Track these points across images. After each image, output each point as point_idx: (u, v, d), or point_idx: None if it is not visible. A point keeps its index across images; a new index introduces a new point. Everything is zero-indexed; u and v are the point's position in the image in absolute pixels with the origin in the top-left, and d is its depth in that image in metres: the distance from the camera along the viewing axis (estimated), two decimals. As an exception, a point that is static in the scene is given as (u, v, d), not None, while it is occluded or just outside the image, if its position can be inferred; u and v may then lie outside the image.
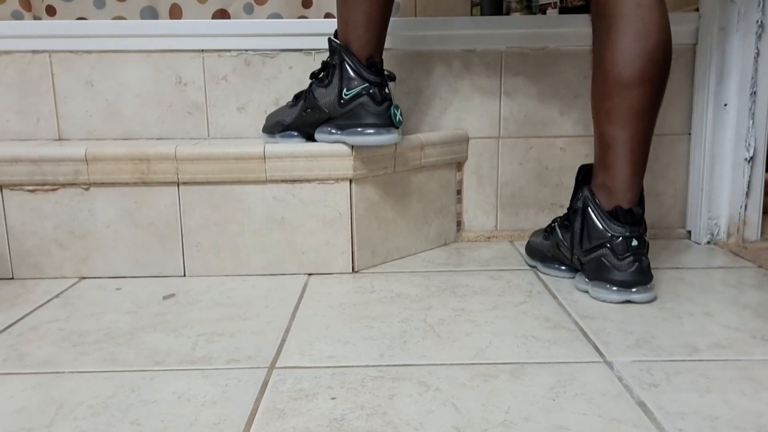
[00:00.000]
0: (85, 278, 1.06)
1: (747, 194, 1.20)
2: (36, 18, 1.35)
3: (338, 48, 0.98)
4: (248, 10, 1.34)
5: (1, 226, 1.05)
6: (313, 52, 1.20)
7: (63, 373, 0.72)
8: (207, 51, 1.20)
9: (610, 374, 0.69)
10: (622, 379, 0.68)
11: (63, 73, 1.19)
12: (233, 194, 1.05)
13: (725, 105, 1.19)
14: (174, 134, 1.22)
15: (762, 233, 1.22)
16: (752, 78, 1.17)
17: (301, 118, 1.04)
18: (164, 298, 0.97)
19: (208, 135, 1.22)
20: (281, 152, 1.03)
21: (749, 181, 1.20)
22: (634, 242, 0.90)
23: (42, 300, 0.96)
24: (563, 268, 1.02)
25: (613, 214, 0.92)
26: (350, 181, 1.05)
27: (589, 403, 0.63)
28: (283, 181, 1.05)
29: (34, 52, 1.19)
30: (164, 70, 1.20)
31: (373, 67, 0.99)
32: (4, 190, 1.04)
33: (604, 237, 0.92)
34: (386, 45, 1.20)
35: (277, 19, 1.30)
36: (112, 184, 1.04)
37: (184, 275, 1.07)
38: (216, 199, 1.05)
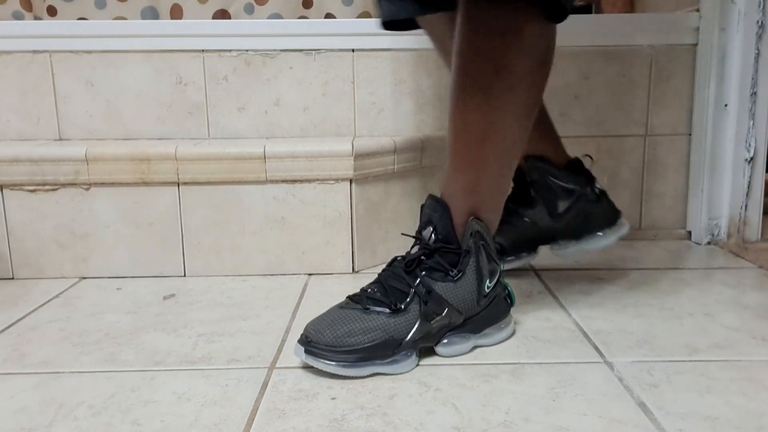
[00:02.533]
0: (85, 278, 1.06)
1: (747, 194, 1.20)
2: (37, 18, 1.35)
3: (480, 231, 0.75)
4: (249, 10, 1.34)
5: (2, 226, 1.05)
6: (313, 52, 1.20)
7: (63, 373, 0.72)
8: (207, 51, 1.20)
9: (611, 374, 0.69)
10: (622, 379, 0.68)
11: (63, 73, 1.19)
12: (233, 194, 1.05)
13: (726, 105, 1.19)
14: (174, 134, 1.22)
15: (762, 234, 1.22)
16: (753, 78, 1.17)
17: (426, 329, 0.73)
18: (164, 298, 0.97)
19: (209, 135, 1.22)
20: (281, 152, 1.03)
21: (749, 182, 1.20)
22: (597, 184, 0.96)
23: (42, 300, 0.96)
24: (525, 254, 1.00)
25: (572, 168, 0.95)
26: (350, 181, 1.05)
27: (590, 403, 0.63)
28: (284, 181, 1.05)
29: (35, 52, 1.19)
30: (165, 70, 1.20)
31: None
32: (4, 190, 1.04)
33: (576, 192, 0.94)
34: (386, 45, 1.21)
35: (277, 20, 1.30)
36: (113, 184, 1.04)
37: (185, 275, 1.07)
38: (216, 199, 1.05)
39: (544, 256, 1.15)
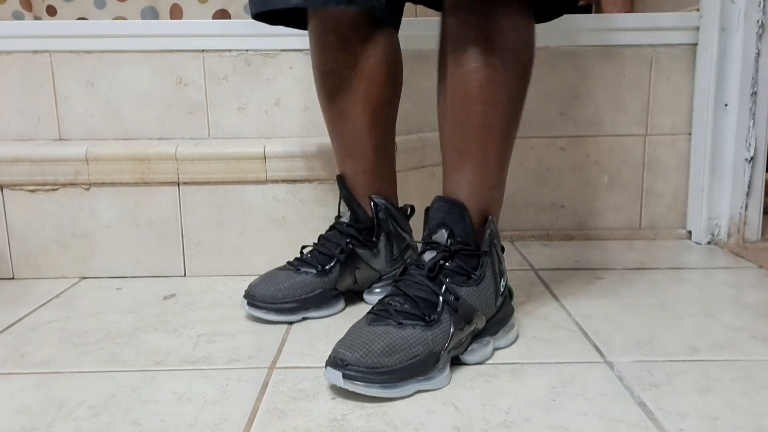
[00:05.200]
0: (85, 278, 1.06)
1: (747, 194, 1.20)
2: (37, 18, 1.35)
3: (493, 230, 0.74)
4: (249, 10, 1.34)
5: (2, 226, 1.05)
6: (313, 52, 1.20)
7: (63, 373, 0.72)
8: (207, 51, 1.20)
9: (611, 374, 0.69)
10: (622, 379, 0.68)
11: (63, 73, 1.19)
12: (234, 194, 1.05)
13: (726, 105, 1.18)
14: (174, 134, 1.22)
15: (762, 233, 1.22)
16: (753, 78, 1.17)
17: (459, 337, 0.70)
18: (165, 298, 0.97)
19: (209, 135, 1.22)
20: (281, 152, 1.03)
21: (750, 181, 1.20)
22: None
23: (42, 300, 0.96)
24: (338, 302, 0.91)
25: (404, 215, 0.93)
26: (350, 181, 1.05)
27: (590, 403, 0.63)
28: (284, 181, 1.05)
29: (35, 52, 1.19)
30: (165, 70, 1.20)
31: None
32: (4, 190, 1.04)
33: (407, 239, 0.93)
34: (387, 45, 1.20)
35: (277, 19, 1.30)
36: (113, 184, 1.04)
37: (185, 275, 1.07)
38: (216, 199, 1.05)
39: (545, 255, 1.15)
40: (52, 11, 1.34)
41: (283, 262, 0.91)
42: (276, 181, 1.05)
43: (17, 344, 0.80)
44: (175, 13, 1.34)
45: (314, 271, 0.87)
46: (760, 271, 1.05)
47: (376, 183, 0.90)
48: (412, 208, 0.95)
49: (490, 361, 0.73)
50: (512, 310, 0.79)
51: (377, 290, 0.91)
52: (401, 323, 0.67)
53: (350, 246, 0.88)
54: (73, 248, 1.06)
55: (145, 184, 1.04)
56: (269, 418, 0.62)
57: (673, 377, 0.68)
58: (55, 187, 1.04)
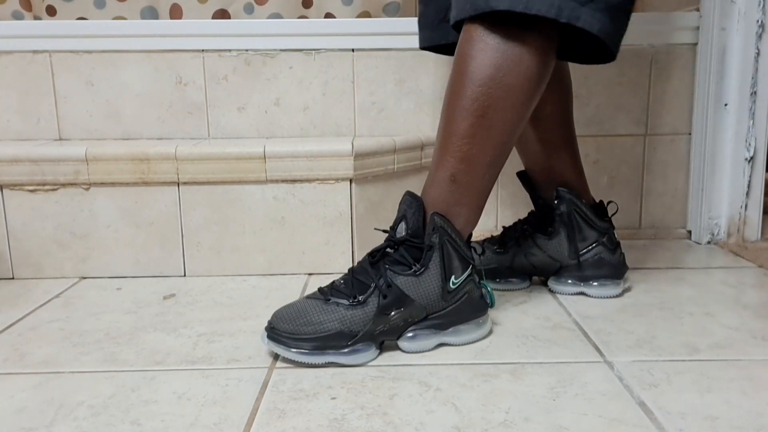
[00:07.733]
0: (85, 278, 1.06)
1: (747, 194, 1.20)
2: (36, 18, 1.35)
3: (444, 226, 0.75)
4: (248, 10, 1.34)
5: (2, 226, 1.05)
6: (313, 52, 1.20)
7: (63, 373, 0.72)
8: (207, 51, 1.20)
9: (611, 374, 0.69)
10: (622, 379, 0.68)
11: (63, 73, 1.19)
12: (233, 194, 1.05)
13: (725, 105, 1.19)
14: (174, 134, 1.22)
15: (762, 233, 1.22)
16: (752, 78, 1.17)
17: (384, 322, 0.74)
18: (164, 298, 0.97)
19: (209, 135, 1.22)
20: (281, 152, 1.04)
21: (749, 181, 1.20)
22: (615, 234, 0.95)
23: (42, 300, 0.96)
24: (515, 279, 0.97)
25: (598, 211, 0.94)
26: (350, 181, 1.05)
27: (590, 403, 0.63)
28: (284, 181, 1.05)
29: (35, 52, 1.19)
30: (164, 70, 1.20)
31: (469, 244, 0.81)
32: (4, 190, 1.04)
33: (596, 235, 0.93)
34: (386, 45, 1.21)
35: (277, 19, 1.30)
36: (113, 184, 1.04)
37: (185, 275, 1.07)
38: (216, 199, 1.05)
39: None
40: (51, 11, 1.34)
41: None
42: (276, 181, 1.05)
43: (17, 344, 0.80)
44: (175, 13, 1.34)
45: None
46: (759, 271, 1.05)
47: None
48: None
49: (490, 361, 0.73)
50: (478, 313, 0.79)
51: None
52: (328, 299, 0.74)
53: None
54: (73, 248, 1.06)
55: (145, 184, 1.04)
56: (269, 418, 0.62)
57: (673, 377, 0.68)
58: (55, 187, 1.04)
